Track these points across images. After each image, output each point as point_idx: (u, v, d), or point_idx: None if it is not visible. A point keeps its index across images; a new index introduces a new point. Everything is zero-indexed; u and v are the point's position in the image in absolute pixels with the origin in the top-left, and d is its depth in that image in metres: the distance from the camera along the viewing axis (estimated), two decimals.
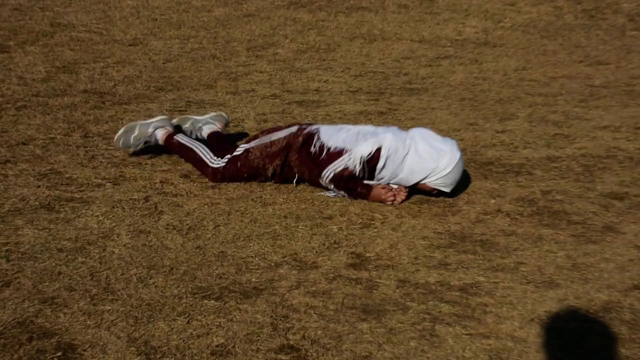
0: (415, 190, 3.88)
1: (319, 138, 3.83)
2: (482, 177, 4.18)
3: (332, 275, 3.18)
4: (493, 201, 3.90)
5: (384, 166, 3.75)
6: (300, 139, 3.86)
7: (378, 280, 3.15)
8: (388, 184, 3.84)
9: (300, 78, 5.94)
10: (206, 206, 3.77)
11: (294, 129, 3.93)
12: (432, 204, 3.86)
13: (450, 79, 5.96)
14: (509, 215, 3.75)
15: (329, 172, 3.77)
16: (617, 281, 3.13)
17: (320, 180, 3.82)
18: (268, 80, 5.90)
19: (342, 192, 3.85)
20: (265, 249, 3.38)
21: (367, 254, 3.36)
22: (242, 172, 3.96)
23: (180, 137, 4.21)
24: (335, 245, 3.43)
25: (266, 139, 3.95)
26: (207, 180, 4.05)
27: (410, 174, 3.77)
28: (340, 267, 3.25)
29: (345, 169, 3.76)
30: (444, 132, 4.80)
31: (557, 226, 3.64)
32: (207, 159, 4.04)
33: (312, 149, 3.82)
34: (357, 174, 3.77)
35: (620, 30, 7.23)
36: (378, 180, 3.83)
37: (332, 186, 3.82)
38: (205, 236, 3.47)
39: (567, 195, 3.95)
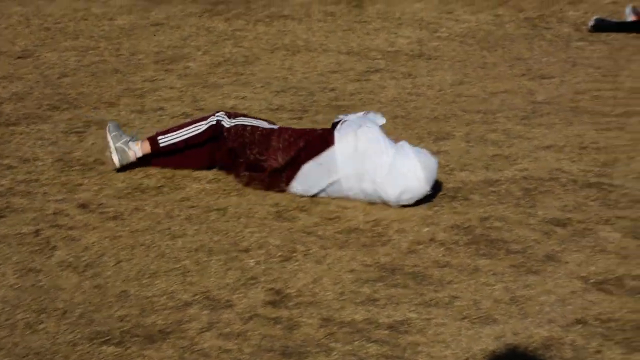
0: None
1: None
2: (415, 203, 4.28)
3: (248, 314, 3.22)
4: (426, 229, 4.00)
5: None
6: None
7: (299, 319, 3.20)
8: None
9: (215, 94, 5.98)
10: (107, 240, 3.77)
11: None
12: (359, 234, 3.94)
13: (381, 94, 6.09)
14: (444, 245, 3.85)
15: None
16: (558, 315, 3.25)
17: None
18: (178, 97, 5.92)
19: None
20: (174, 286, 3.40)
21: (288, 290, 3.41)
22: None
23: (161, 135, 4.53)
24: (252, 281, 3.47)
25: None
26: (108, 210, 4.05)
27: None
28: (258, 305, 3.29)
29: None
30: None
31: (495, 256, 3.75)
32: (201, 125, 4.45)
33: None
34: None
35: (566, 40, 7.50)
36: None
37: None
38: (105, 274, 3.46)
39: (507, 222, 4.08)
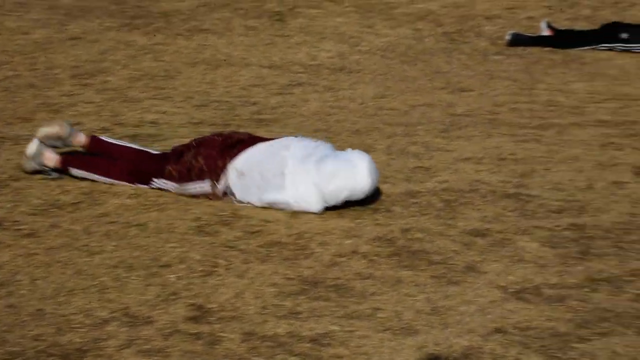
0: None
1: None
2: (338, 215, 4.30)
3: (168, 330, 3.18)
4: (349, 242, 4.02)
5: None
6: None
7: (221, 334, 3.17)
8: None
9: (134, 109, 5.91)
10: (21, 257, 3.68)
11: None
12: (282, 247, 3.94)
13: (303, 108, 6.10)
14: (366, 257, 3.87)
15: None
16: (478, 325, 3.29)
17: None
18: (96, 112, 5.84)
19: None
20: (91, 304, 3.33)
21: (209, 305, 3.38)
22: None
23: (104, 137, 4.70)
24: (173, 297, 3.43)
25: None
26: (22, 227, 3.96)
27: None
28: (178, 321, 3.25)
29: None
30: None
31: (417, 267, 3.79)
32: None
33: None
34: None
35: (483, 54, 7.64)
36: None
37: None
38: (18, 292, 3.38)
39: (428, 233, 4.12)
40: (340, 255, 3.88)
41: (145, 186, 4.49)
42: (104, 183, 4.52)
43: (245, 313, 3.33)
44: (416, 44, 7.89)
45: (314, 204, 4.26)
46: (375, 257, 3.87)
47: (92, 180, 4.53)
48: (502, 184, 4.74)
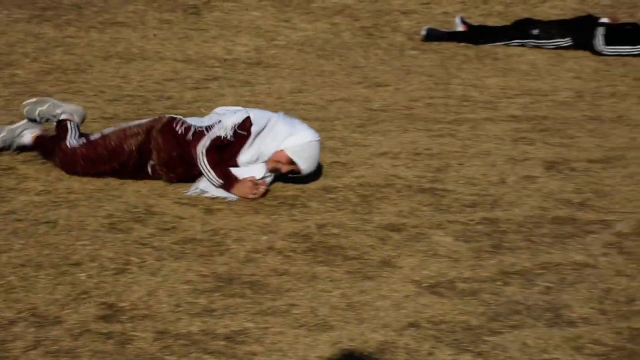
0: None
1: (183, 121, 4.47)
2: (253, 211, 4.28)
3: (78, 330, 3.11)
4: (265, 237, 4.00)
5: (253, 140, 4.39)
6: (164, 120, 4.49)
7: (133, 333, 3.12)
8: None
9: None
10: None
11: (152, 118, 4.59)
12: (197, 244, 3.90)
13: (219, 102, 6.05)
14: (282, 253, 3.86)
15: (200, 146, 4.35)
16: (392, 320, 3.32)
17: (197, 160, 4.35)
18: (4, 106, 5.69)
19: (212, 175, 4.35)
20: None
21: (121, 304, 3.32)
22: (98, 152, 4.47)
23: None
24: (84, 296, 3.36)
25: (124, 125, 4.58)
26: None
27: (272, 139, 4.39)
28: (89, 320, 3.19)
29: (218, 137, 4.36)
30: None
31: (333, 263, 3.79)
32: (64, 141, 4.54)
33: (178, 129, 4.43)
34: (230, 138, 4.36)
35: (400, 49, 7.70)
36: (244, 158, 4.41)
37: (206, 162, 4.33)
38: None
39: (344, 229, 4.13)
40: (256, 252, 3.86)
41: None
42: None
43: (158, 311, 3.29)
44: (333, 39, 7.90)
45: None
46: (291, 253, 3.86)
47: None
48: (417, 179, 4.79)
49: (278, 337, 3.16)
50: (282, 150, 4.40)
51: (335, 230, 4.11)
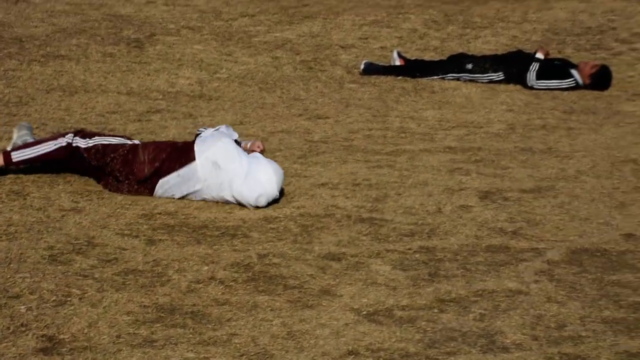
0: None
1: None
2: (195, 242, 4.25)
3: None
4: (206, 268, 3.97)
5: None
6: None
7: None
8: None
9: None
10: None
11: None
12: (138, 274, 3.85)
13: (162, 135, 6.01)
14: (223, 283, 3.84)
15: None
16: (332, 348, 3.31)
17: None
18: None
19: None
20: None
21: (61, 336, 3.26)
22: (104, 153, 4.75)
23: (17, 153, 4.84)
24: (23, 328, 3.29)
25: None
26: None
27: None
28: (28, 353, 3.12)
29: None
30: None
31: (274, 292, 3.78)
32: (54, 142, 4.80)
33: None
34: None
35: (339, 82, 7.75)
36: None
37: None
38: None
39: (284, 258, 4.12)
40: (198, 282, 3.83)
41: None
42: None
43: (99, 343, 3.23)
44: (274, 72, 7.92)
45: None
46: (232, 283, 3.84)
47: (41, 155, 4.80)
48: (356, 209, 4.81)
49: None
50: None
51: (276, 260, 4.10)
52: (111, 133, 5.12)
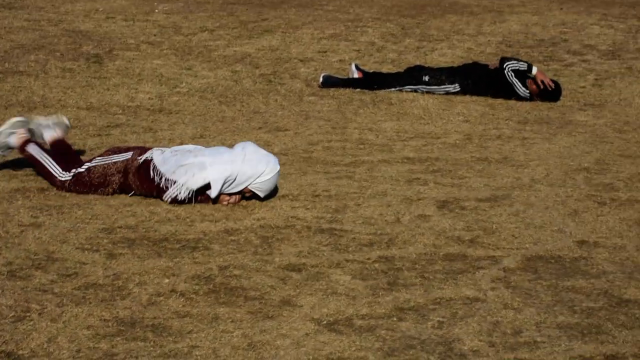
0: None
1: (155, 166, 4.90)
2: (156, 255, 4.23)
3: None
4: (167, 281, 3.95)
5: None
6: (136, 163, 4.95)
7: None
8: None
9: None
10: None
11: (129, 154, 5.01)
12: (98, 288, 3.81)
13: None
14: (184, 295, 3.81)
15: (167, 197, 4.90)
16: (292, 358, 3.30)
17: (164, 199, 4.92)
18: None
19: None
20: None
21: (20, 352, 3.22)
22: (87, 186, 4.99)
23: (31, 149, 5.14)
24: None
25: (107, 159, 5.04)
26: None
27: (236, 186, 4.91)
28: None
29: (176, 198, 4.89)
30: (113, 209, 4.79)
31: (234, 303, 3.76)
32: (56, 173, 5.03)
33: (151, 173, 4.90)
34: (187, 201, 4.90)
35: (298, 95, 7.76)
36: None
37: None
38: None
39: (245, 270, 4.11)
40: (158, 295, 3.80)
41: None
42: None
43: (59, 357, 3.19)
44: (234, 86, 7.92)
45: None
46: (193, 295, 3.82)
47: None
48: (316, 220, 4.81)
49: None
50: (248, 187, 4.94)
51: (237, 272, 4.08)
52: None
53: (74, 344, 3.31)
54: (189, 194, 4.85)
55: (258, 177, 4.89)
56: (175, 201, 4.88)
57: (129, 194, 4.98)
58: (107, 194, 4.97)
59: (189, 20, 10.25)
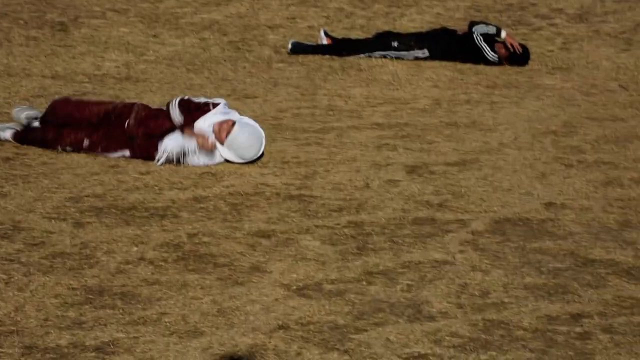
0: None
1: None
2: (124, 223, 4.20)
3: None
4: (135, 249, 3.93)
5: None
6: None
7: None
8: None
9: None
10: None
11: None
12: (66, 257, 3.79)
13: None
14: (153, 263, 3.80)
15: (175, 98, 5.21)
16: (262, 323, 3.31)
17: (169, 105, 5.17)
18: None
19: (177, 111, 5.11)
20: None
21: None
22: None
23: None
24: None
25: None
26: None
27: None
28: None
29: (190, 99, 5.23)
30: (80, 177, 4.75)
31: (204, 270, 3.76)
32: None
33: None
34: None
35: (267, 62, 7.72)
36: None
37: (176, 103, 5.15)
38: None
39: (214, 237, 4.10)
40: (127, 263, 3.79)
41: None
42: None
43: (26, 326, 3.18)
44: (202, 53, 7.85)
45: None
46: (162, 263, 3.81)
47: None
48: (285, 186, 4.80)
49: (149, 346, 3.11)
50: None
51: (206, 239, 4.08)
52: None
53: (42, 312, 3.29)
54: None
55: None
56: (178, 102, 5.12)
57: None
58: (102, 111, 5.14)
59: None
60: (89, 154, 5.07)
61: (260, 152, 5.13)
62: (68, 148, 5.12)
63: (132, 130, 5.07)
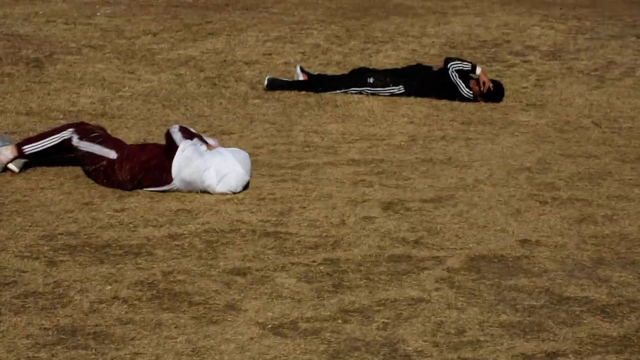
0: None
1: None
2: (98, 261, 4.17)
3: None
4: (109, 287, 3.90)
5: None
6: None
7: None
8: None
9: None
10: None
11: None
12: (38, 297, 3.75)
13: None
14: (127, 302, 3.77)
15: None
16: None
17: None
18: None
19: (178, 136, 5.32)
20: None
21: None
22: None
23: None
24: None
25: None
26: None
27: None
28: None
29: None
30: (54, 215, 4.72)
31: (178, 309, 3.73)
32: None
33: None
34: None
35: (243, 98, 7.73)
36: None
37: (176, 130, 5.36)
38: None
39: (189, 275, 4.08)
40: (100, 302, 3.75)
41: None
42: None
43: None
44: (178, 89, 7.86)
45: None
46: (136, 302, 3.78)
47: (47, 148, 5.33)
48: (261, 223, 4.80)
49: None
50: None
51: (180, 277, 4.05)
52: (102, 133, 5.47)
53: (13, 353, 3.25)
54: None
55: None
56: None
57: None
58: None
59: (131, 24, 10.16)
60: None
61: (248, 177, 5.34)
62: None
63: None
